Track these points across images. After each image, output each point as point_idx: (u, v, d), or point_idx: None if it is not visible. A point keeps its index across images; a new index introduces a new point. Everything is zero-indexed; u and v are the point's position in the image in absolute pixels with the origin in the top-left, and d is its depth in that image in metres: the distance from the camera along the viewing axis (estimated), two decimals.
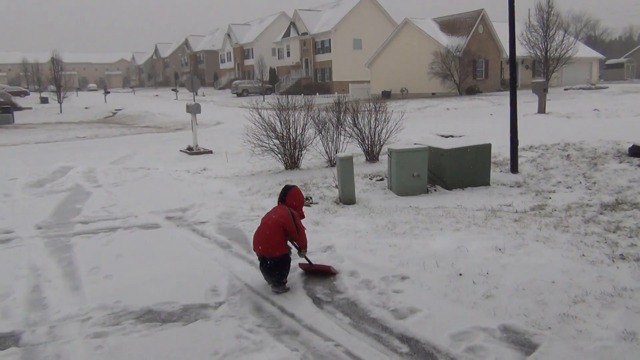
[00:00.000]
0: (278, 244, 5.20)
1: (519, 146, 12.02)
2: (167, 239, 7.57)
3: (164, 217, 8.86)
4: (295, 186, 5.44)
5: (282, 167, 13.93)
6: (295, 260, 5.80)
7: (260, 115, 13.45)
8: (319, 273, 5.60)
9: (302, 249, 5.32)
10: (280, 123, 13.44)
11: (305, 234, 5.33)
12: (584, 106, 23.92)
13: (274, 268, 5.25)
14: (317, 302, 5.16)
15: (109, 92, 67.28)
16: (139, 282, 5.79)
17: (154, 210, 9.33)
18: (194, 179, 12.69)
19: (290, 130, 13.42)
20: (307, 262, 5.61)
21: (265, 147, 13.39)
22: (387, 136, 13.90)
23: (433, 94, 42.81)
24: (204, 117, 30.81)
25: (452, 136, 18.83)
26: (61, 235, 7.89)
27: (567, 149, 12.82)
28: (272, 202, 9.78)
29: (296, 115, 13.56)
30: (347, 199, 9.38)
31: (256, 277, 5.84)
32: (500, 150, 13.26)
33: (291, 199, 5.32)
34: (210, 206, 9.41)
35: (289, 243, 5.34)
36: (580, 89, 41.47)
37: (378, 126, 13.88)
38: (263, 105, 15.07)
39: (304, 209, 5.82)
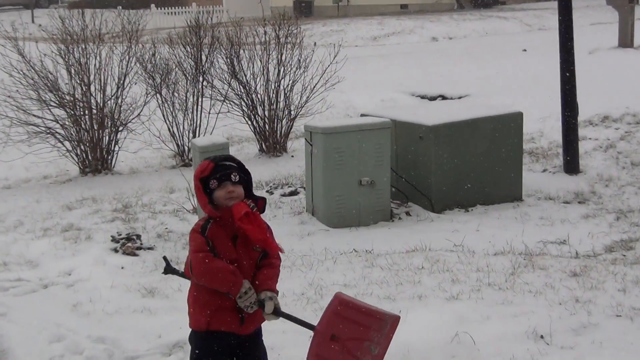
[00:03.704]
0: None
1: (581, 118, 12.48)
2: None
3: None
4: (204, 161, 5.15)
5: (74, 169, 13.76)
6: None
7: (22, 56, 13.31)
8: None
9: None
10: (70, 72, 13.36)
11: (197, 264, 5.01)
12: None
13: None
14: None
15: None
16: None
17: None
18: None
19: (92, 88, 13.36)
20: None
21: (38, 126, 13.27)
22: (304, 100, 14.10)
23: (403, 6, 43.62)
24: None
25: (443, 97, 19.13)
26: None
27: None
28: (50, 249, 9.59)
29: (105, 56, 13.51)
30: None
31: None
32: (543, 126, 13.79)
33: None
34: None
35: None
36: None
37: (284, 77, 14.04)
38: (31, 33, 14.97)
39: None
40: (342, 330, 4.81)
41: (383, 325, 4.87)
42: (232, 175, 4.71)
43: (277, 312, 4.79)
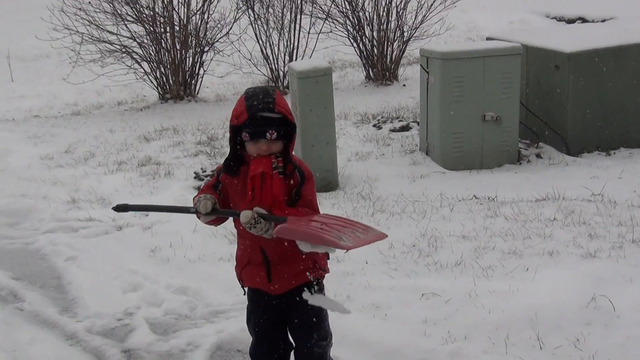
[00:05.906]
0: None
1: None
2: None
3: None
4: (240, 99, 4.95)
5: (153, 94, 13.98)
6: None
7: None
8: None
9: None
10: None
11: None
12: None
13: None
14: None
15: None
16: None
17: None
18: None
19: (175, 1, 13.39)
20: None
21: (112, 44, 13.43)
22: (419, 20, 14.04)
23: None
24: None
25: (583, 20, 18.77)
26: None
27: None
28: (125, 186, 9.75)
29: None
30: (316, 177, 9.38)
31: None
32: None
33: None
34: None
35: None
36: None
37: None
38: None
39: None
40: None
41: (367, 229, 4.50)
42: (267, 134, 4.44)
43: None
